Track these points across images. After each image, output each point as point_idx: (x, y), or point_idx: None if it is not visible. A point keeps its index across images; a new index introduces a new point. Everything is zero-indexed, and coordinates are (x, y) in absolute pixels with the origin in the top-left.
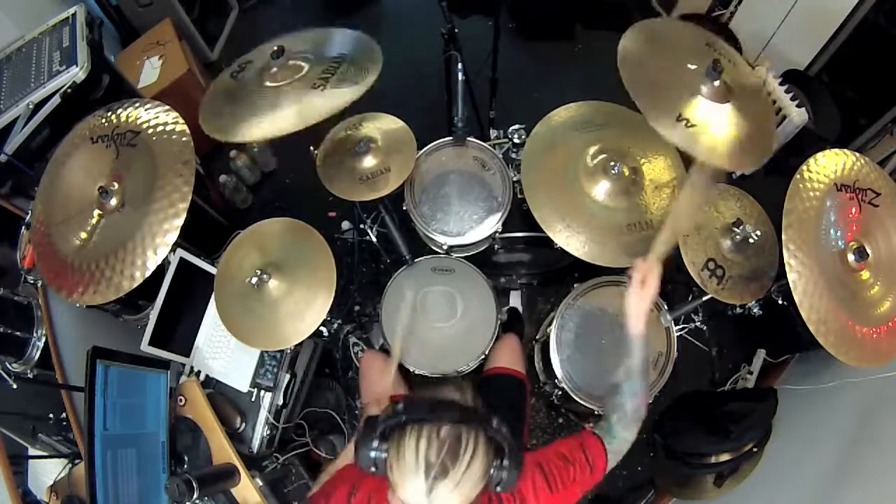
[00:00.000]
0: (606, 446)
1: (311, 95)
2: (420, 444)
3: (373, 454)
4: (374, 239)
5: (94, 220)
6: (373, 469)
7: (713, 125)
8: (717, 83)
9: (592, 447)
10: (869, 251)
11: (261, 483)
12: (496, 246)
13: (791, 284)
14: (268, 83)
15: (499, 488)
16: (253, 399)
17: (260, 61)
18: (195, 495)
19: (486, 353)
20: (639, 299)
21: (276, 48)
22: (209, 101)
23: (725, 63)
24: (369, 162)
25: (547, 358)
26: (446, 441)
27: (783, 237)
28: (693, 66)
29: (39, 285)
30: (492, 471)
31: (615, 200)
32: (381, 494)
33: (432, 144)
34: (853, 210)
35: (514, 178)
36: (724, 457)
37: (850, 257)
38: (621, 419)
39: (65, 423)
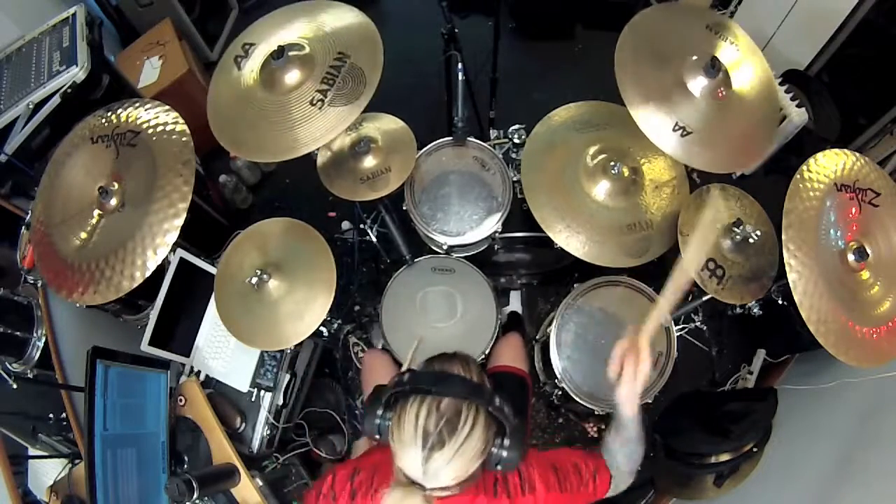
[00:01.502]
0: (611, 481)
1: (311, 114)
2: (420, 414)
3: (377, 421)
4: (374, 239)
5: (94, 220)
6: (377, 436)
7: (711, 129)
8: (716, 80)
9: (602, 476)
10: (869, 251)
11: (261, 483)
12: (496, 246)
13: (791, 284)
14: (270, 92)
15: (499, 467)
16: (253, 399)
17: (262, 48)
18: (195, 495)
19: (487, 352)
20: (630, 387)
21: (276, 48)
22: (215, 103)
23: (728, 46)
24: (369, 162)
25: (547, 358)
26: (445, 413)
27: (783, 237)
28: (695, 58)
29: (39, 285)
30: (492, 448)
31: (615, 200)
32: (385, 468)
33: (432, 144)
34: (853, 210)
35: (514, 178)
36: (724, 457)
37: (850, 257)
38: (617, 473)
39: (65, 423)
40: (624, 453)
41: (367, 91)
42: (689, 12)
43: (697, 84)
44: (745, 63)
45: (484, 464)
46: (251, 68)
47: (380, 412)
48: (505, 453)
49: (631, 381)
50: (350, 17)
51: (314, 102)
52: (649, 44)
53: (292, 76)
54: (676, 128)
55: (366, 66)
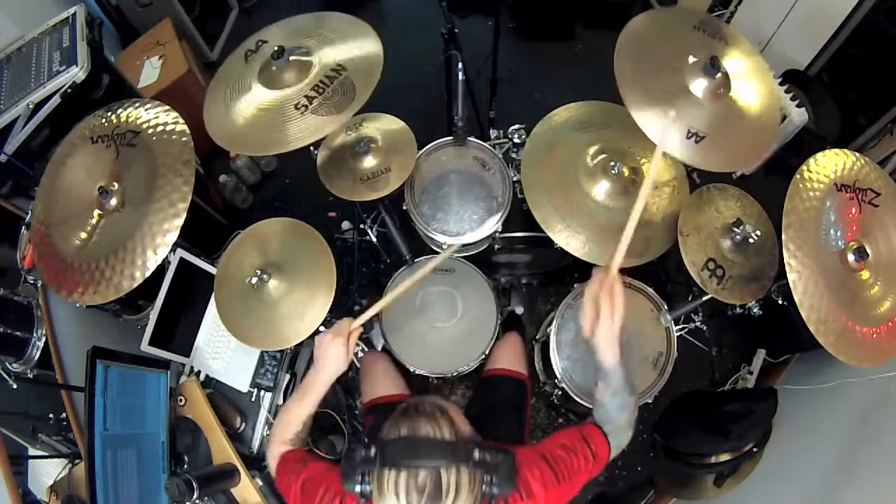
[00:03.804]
0: (608, 438)
1: (291, 117)
2: (399, 492)
3: (357, 488)
4: (374, 239)
5: (94, 220)
6: (362, 501)
7: (721, 129)
8: (717, 78)
9: (594, 436)
10: (869, 251)
11: (261, 483)
12: (496, 246)
13: (791, 284)
14: (271, 91)
15: (493, 502)
16: (253, 399)
17: (273, 43)
18: (195, 495)
19: (487, 352)
20: (608, 327)
21: (276, 48)
22: (213, 100)
23: (720, 45)
24: (369, 162)
25: (547, 358)
26: (425, 487)
27: (783, 237)
28: (694, 59)
29: (39, 285)
30: (484, 487)
31: (615, 200)
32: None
33: (432, 144)
34: (853, 210)
35: (514, 178)
36: (724, 457)
37: (850, 257)
38: (613, 429)
39: (65, 423)
40: (615, 405)
41: (352, 106)
42: (675, 17)
43: (699, 86)
44: (737, 56)
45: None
46: (255, 66)
47: (358, 479)
48: (496, 489)
49: (608, 320)
50: (364, 41)
51: (298, 107)
52: (645, 56)
53: (288, 77)
54: (689, 135)
55: (359, 83)
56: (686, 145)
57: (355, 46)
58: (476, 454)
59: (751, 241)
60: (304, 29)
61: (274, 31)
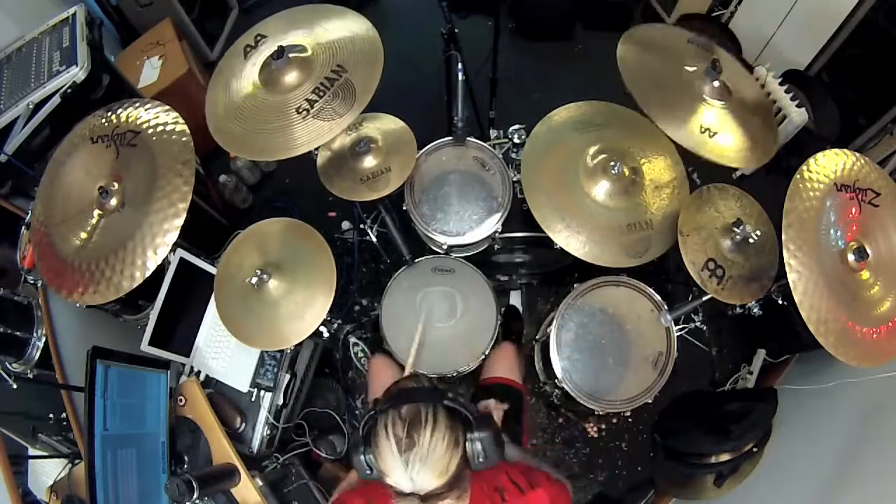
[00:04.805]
0: None
1: (293, 122)
2: (388, 425)
3: (363, 458)
4: (374, 239)
5: (94, 220)
6: (368, 472)
7: (728, 126)
8: (717, 83)
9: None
10: (869, 251)
11: (261, 483)
12: (496, 246)
13: (791, 284)
14: (265, 90)
15: (480, 460)
16: (253, 399)
17: (271, 35)
18: (195, 495)
19: (487, 352)
20: None
21: (276, 48)
22: (214, 98)
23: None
24: (370, 162)
25: (547, 358)
26: (408, 417)
27: (783, 237)
28: (691, 69)
29: (39, 285)
30: (466, 444)
31: (615, 200)
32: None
33: (432, 144)
34: (853, 210)
35: (514, 178)
36: (724, 457)
37: (850, 257)
38: None
39: (65, 423)
40: None
41: (353, 110)
42: (668, 35)
43: (706, 88)
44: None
45: (467, 462)
46: (254, 62)
47: (361, 448)
48: (479, 445)
49: None
50: (360, 28)
51: (300, 111)
52: (648, 70)
53: (289, 78)
54: (703, 130)
55: (359, 84)
56: (699, 140)
57: (351, 37)
58: (449, 394)
59: (751, 241)
60: (300, 20)
61: (271, 23)
